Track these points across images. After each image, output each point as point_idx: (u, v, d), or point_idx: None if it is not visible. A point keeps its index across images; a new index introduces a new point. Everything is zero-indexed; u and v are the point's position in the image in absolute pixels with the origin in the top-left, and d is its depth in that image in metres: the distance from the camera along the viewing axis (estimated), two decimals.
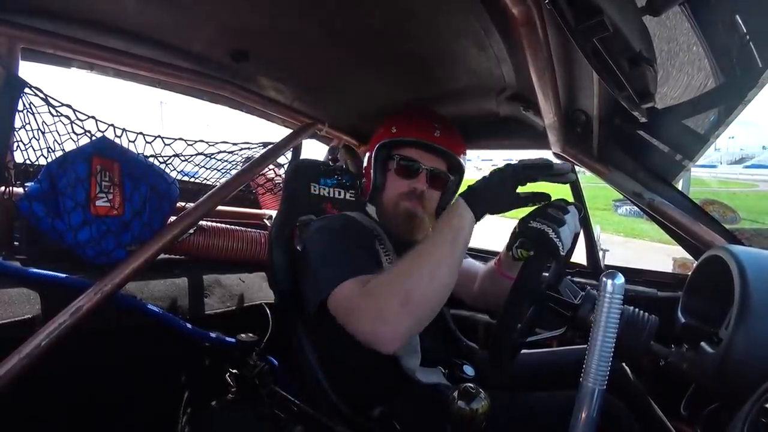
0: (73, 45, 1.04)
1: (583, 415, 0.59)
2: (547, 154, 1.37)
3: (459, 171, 1.09)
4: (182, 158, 1.34)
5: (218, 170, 1.54)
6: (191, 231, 1.40)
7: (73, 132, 1.12)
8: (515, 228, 0.82)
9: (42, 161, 1.12)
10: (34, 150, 1.11)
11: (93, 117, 1.13)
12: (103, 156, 1.15)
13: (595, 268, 1.53)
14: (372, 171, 1.05)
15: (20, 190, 1.09)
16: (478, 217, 0.77)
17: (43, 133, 1.09)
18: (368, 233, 1.01)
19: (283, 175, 1.64)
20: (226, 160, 1.51)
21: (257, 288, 1.60)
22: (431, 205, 1.05)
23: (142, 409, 1.27)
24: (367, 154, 1.10)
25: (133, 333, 1.19)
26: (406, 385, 0.92)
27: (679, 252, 1.37)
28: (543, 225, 0.72)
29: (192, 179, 1.58)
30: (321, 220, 1.04)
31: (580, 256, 1.46)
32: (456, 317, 1.14)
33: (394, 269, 0.78)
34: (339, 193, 1.24)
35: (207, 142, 1.38)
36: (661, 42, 0.75)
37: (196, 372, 1.39)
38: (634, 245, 9.21)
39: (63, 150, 1.13)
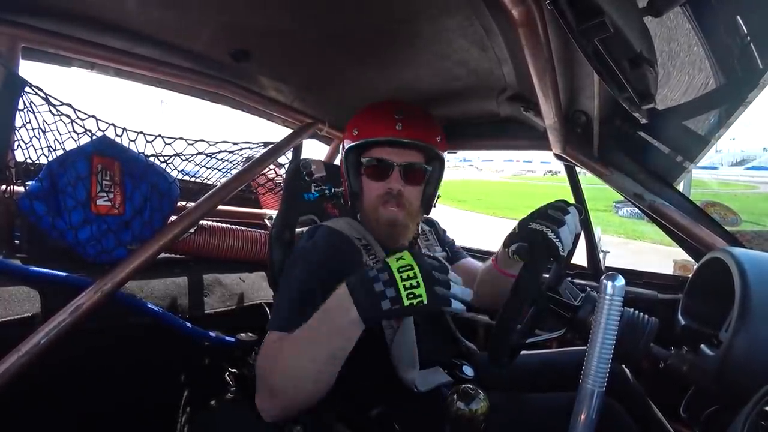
0: (74, 44, 1.04)
1: (583, 417, 0.59)
2: (547, 155, 1.37)
3: (437, 158, 1.02)
4: (183, 157, 1.34)
5: (219, 170, 1.55)
6: (192, 230, 1.41)
7: (74, 131, 1.12)
8: (514, 229, 0.81)
9: (43, 160, 1.12)
10: (35, 149, 1.11)
11: (93, 116, 1.13)
12: (104, 155, 1.15)
13: (595, 269, 1.53)
14: (346, 178, 1.01)
15: (21, 188, 1.10)
16: (369, 321, 0.65)
17: (43, 132, 1.09)
18: (352, 249, 0.95)
19: (284, 175, 1.64)
20: (227, 160, 1.52)
21: (257, 287, 1.60)
22: (412, 204, 1.00)
23: (142, 407, 1.27)
24: (338, 159, 1.06)
25: (132, 332, 1.20)
26: (406, 394, 0.91)
27: (681, 254, 1.36)
28: (542, 226, 0.71)
29: (193, 179, 1.58)
30: (306, 237, 0.99)
31: (580, 257, 1.45)
32: (455, 318, 1.14)
33: (284, 346, 0.71)
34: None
35: (208, 142, 1.39)
36: (662, 43, 0.75)
37: (195, 371, 1.39)
38: (634, 247, 9.20)
39: (64, 149, 1.13)
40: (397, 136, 0.95)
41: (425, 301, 0.62)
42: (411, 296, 0.62)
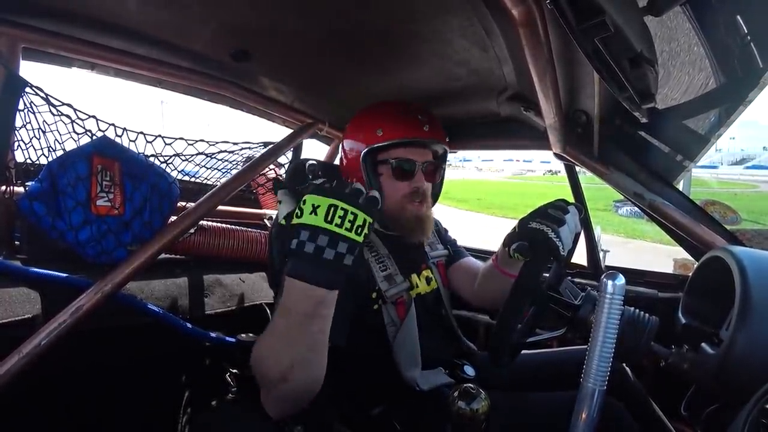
0: (74, 45, 1.04)
1: (583, 416, 0.59)
2: (547, 155, 1.37)
3: (444, 155, 1.10)
4: (183, 158, 1.34)
5: (219, 170, 1.54)
6: (192, 231, 1.41)
7: (74, 131, 1.12)
8: (514, 228, 0.82)
9: (43, 160, 1.12)
10: (35, 149, 1.11)
11: (94, 116, 1.13)
12: (104, 155, 1.15)
13: (595, 268, 1.53)
14: (366, 178, 1.00)
15: (21, 189, 1.10)
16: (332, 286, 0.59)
17: (43, 132, 1.09)
18: None
19: (284, 175, 1.64)
20: (227, 160, 1.52)
21: (257, 288, 1.60)
22: (429, 199, 1.05)
23: (142, 409, 1.27)
24: (344, 155, 1.06)
25: (133, 333, 1.19)
26: (407, 392, 0.92)
27: (681, 253, 1.37)
28: (543, 225, 0.71)
29: (193, 179, 1.58)
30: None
31: (580, 256, 1.45)
32: (456, 318, 1.14)
33: (263, 343, 0.66)
34: None
35: (208, 142, 1.39)
36: (662, 42, 0.75)
37: (196, 372, 1.39)
38: (634, 246, 9.21)
39: (64, 149, 1.13)
40: (426, 137, 0.98)
41: (370, 219, 0.57)
42: (358, 230, 0.56)
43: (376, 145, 0.98)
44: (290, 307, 0.60)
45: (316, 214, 0.55)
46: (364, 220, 0.57)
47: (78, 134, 1.13)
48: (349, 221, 0.56)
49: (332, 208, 0.55)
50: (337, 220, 0.55)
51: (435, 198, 1.10)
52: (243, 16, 0.96)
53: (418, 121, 0.98)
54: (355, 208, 0.56)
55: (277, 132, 1.62)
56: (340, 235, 0.55)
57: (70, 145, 1.13)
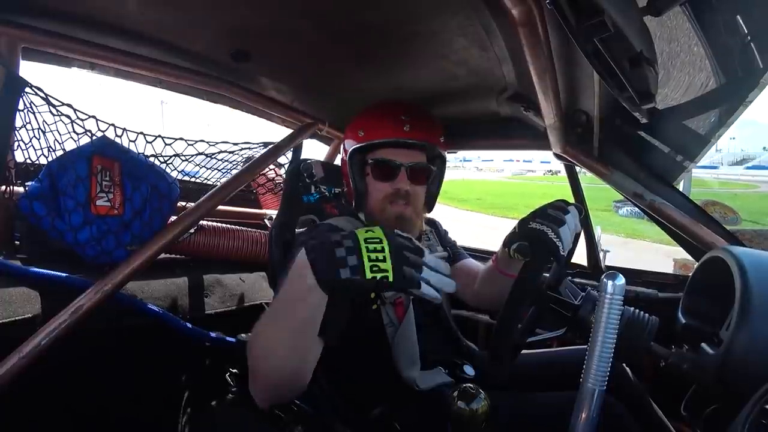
0: (74, 44, 1.04)
1: (583, 416, 0.59)
2: (547, 155, 1.37)
3: (440, 157, 1.05)
4: (183, 158, 1.34)
5: (219, 170, 1.55)
6: (192, 231, 1.41)
7: (74, 131, 1.12)
8: (514, 228, 0.82)
9: (42, 160, 1.12)
10: (35, 149, 1.11)
11: (93, 116, 1.13)
12: (104, 156, 1.15)
13: (595, 268, 1.53)
14: (350, 178, 1.01)
15: (21, 189, 1.10)
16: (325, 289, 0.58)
17: (43, 132, 1.10)
18: None
19: (284, 175, 1.65)
20: (227, 160, 1.52)
21: (257, 288, 1.60)
22: (418, 202, 1.02)
23: (143, 408, 1.27)
24: (340, 157, 1.06)
25: (133, 333, 1.20)
26: (407, 392, 0.92)
27: (681, 253, 1.36)
28: (543, 225, 0.71)
29: (193, 179, 1.58)
30: (307, 232, 1.01)
31: (580, 256, 1.45)
32: (456, 317, 1.14)
33: (260, 320, 0.70)
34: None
35: (208, 142, 1.39)
36: (662, 42, 0.75)
37: (196, 372, 1.39)
38: (634, 246, 9.21)
39: (63, 149, 1.13)
40: (405, 137, 0.96)
41: (390, 278, 0.55)
42: (375, 269, 0.56)
43: (357, 146, 0.99)
44: (290, 280, 0.63)
45: (365, 232, 0.59)
46: (386, 276, 0.56)
47: (78, 134, 1.13)
48: (378, 259, 0.56)
49: (377, 241, 0.58)
50: (371, 247, 0.57)
51: (430, 201, 1.07)
52: (243, 16, 0.96)
53: (400, 122, 0.96)
54: (391, 262, 0.56)
55: (277, 132, 1.62)
56: (359, 253, 0.56)
57: (69, 146, 1.14)
